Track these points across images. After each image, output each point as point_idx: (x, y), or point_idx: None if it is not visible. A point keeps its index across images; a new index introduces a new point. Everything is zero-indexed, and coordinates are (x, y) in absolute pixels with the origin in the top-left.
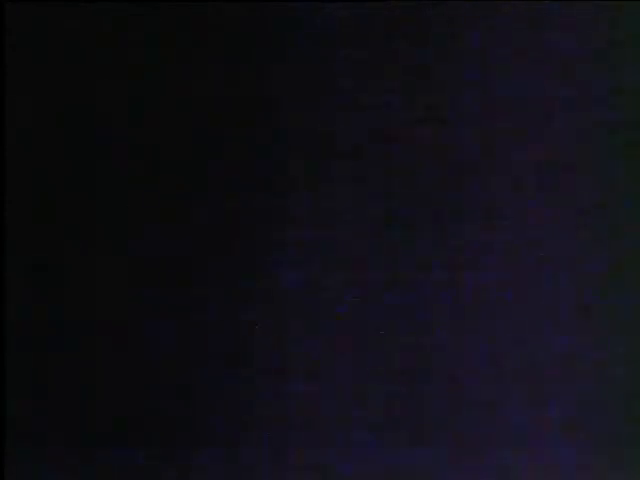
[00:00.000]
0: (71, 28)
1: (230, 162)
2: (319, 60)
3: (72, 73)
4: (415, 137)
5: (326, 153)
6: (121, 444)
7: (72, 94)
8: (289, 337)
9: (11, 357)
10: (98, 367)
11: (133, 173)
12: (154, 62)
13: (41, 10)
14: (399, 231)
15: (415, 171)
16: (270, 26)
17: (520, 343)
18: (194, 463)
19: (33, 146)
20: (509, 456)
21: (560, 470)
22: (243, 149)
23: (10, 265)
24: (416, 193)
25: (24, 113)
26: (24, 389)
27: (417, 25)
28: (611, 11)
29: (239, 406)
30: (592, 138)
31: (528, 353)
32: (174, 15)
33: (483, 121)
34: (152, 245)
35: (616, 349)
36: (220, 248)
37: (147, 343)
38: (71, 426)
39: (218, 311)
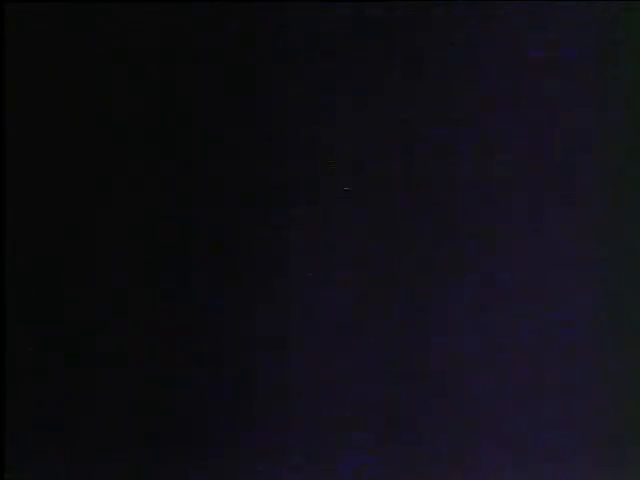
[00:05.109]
0: (71, 28)
1: (230, 162)
2: (319, 60)
3: (72, 73)
4: (415, 138)
5: (326, 153)
6: (121, 444)
7: (72, 94)
8: (289, 337)
9: (11, 357)
10: (98, 367)
11: (133, 173)
12: (154, 62)
13: (41, 10)
14: (399, 231)
15: (415, 171)
16: (270, 26)
17: (520, 343)
18: (194, 463)
19: (33, 146)
20: (508, 456)
21: (560, 470)
22: (243, 149)
23: (10, 265)
24: (416, 192)
25: (24, 113)
26: (24, 389)
27: (417, 25)
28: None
29: (239, 406)
30: (592, 138)
31: (528, 353)
32: (174, 15)
33: (483, 121)
34: (152, 245)
35: (616, 349)
36: (220, 249)
37: (147, 343)
38: (71, 426)
39: (218, 311)
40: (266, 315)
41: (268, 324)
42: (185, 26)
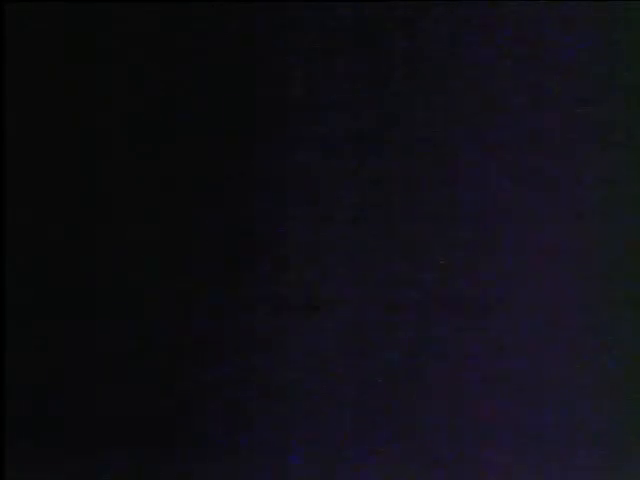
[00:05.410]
0: (71, 28)
1: (230, 162)
2: (319, 60)
3: (72, 73)
4: (415, 137)
5: (325, 153)
6: (121, 444)
7: (72, 94)
8: (288, 336)
9: (11, 357)
10: (98, 367)
11: (133, 173)
12: (154, 62)
13: (41, 10)
14: (399, 229)
15: (414, 170)
16: (270, 26)
17: (520, 341)
18: (194, 463)
19: (33, 146)
20: (508, 456)
21: (560, 470)
22: (243, 149)
23: (10, 265)
24: (414, 191)
25: (24, 113)
26: (24, 389)
27: (419, 25)
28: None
29: (239, 406)
30: (592, 138)
31: (528, 352)
32: (174, 15)
33: (483, 121)
34: (152, 245)
35: (616, 348)
36: (220, 249)
37: (147, 343)
38: (71, 426)
39: (218, 311)
40: (266, 315)
41: (268, 324)
42: (185, 26)
